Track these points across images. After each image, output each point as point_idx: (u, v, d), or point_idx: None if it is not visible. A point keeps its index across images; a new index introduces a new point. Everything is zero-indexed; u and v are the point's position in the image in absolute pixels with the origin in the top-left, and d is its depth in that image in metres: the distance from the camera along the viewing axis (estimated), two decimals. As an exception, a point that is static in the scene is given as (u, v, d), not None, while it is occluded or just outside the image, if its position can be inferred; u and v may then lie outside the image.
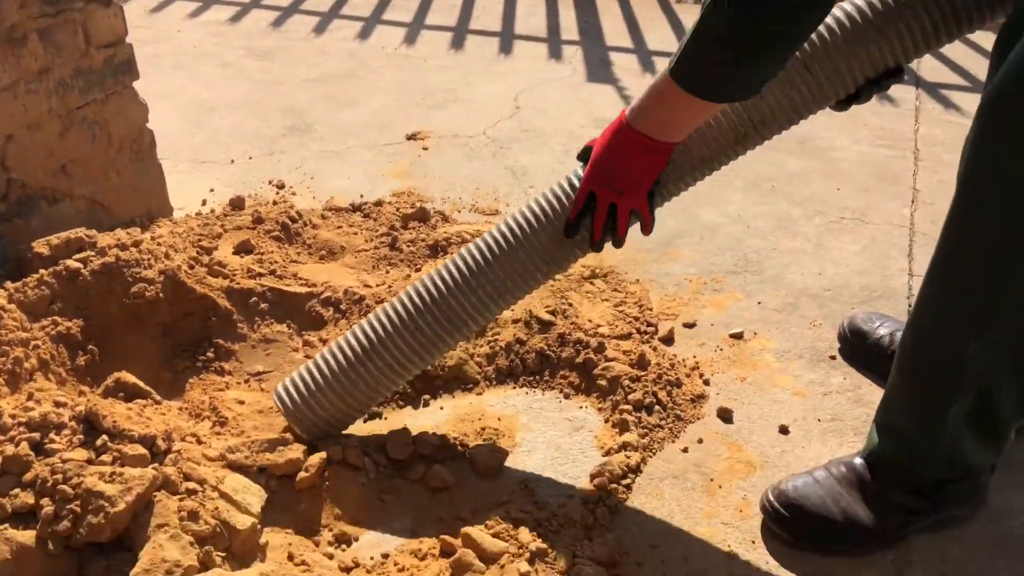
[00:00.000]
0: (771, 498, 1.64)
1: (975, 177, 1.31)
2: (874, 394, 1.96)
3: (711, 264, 2.46)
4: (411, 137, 3.28)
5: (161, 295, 1.89)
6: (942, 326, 1.45)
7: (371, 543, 1.61)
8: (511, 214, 1.68)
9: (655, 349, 2.06)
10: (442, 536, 1.58)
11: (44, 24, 2.04)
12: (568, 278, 2.30)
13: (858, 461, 1.64)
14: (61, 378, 1.76)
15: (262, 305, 2.05)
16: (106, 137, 2.29)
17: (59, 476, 1.36)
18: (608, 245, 1.61)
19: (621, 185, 1.51)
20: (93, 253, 1.89)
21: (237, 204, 2.63)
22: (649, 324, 2.15)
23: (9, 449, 1.37)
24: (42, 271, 1.83)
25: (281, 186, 2.88)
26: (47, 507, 1.33)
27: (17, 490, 1.35)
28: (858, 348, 2.04)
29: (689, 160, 1.55)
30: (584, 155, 1.58)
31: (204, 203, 2.73)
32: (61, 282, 1.83)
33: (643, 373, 1.95)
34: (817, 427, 1.88)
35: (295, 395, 1.69)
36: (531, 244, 1.63)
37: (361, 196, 2.79)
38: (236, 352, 1.97)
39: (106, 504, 1.33)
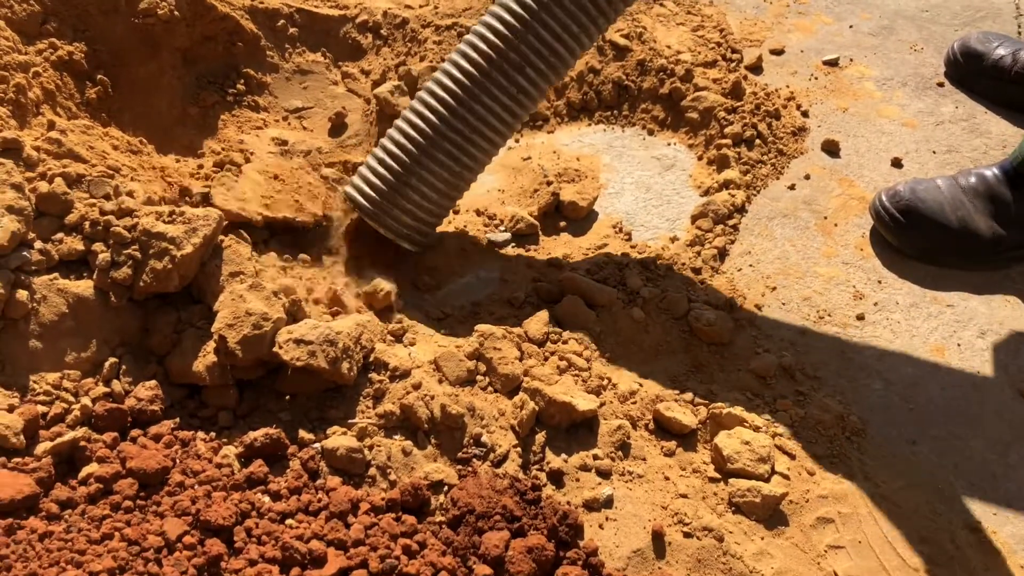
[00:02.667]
0: (884, 200, 1.50)
1: None
2: (991, 123, 1.75)
3: (790, -16, 2.15)
4: None
5: (176, 13, 1.57)
6: None
7: (457, 292, 1.44)
8: None
9: (746, 78, 1.81)
10: (537, 283, 1.41)
11: None
12: None
13: (991, 172, 1.49)
14: (72, 113, 1.48)
15: (291, 30, 1.74)
16: None
17: (109, 218, 1.13)
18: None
19: None
20: (85, -40, 1.54)
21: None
22: (733, 50, 1.89)
23: (43, 186, 1.12)
24: (27, -17, 1.50)
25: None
26: (102, 253, 1.12)
27: (61, 234, 1.13)
28: (972, 72, 1.81)
29: None
30: None
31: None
32: (52, -4, 1.51)
33: (739, 104, 1.71)
34: (932, 159, 1.69)
35: (383, 190, 1.34)
36: None
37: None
38: (269, 85, 1.69)
39: (171, 247, 1.12)
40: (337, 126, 1.67)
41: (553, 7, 1.27)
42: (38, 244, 1.10)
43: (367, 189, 1.35)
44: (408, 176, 1.33)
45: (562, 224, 1.56)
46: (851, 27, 2.01)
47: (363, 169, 1.37)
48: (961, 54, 1.83)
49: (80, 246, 1.12)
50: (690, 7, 2.01)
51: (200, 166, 1.51)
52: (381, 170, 1.34)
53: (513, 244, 1.52)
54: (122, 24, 1.56)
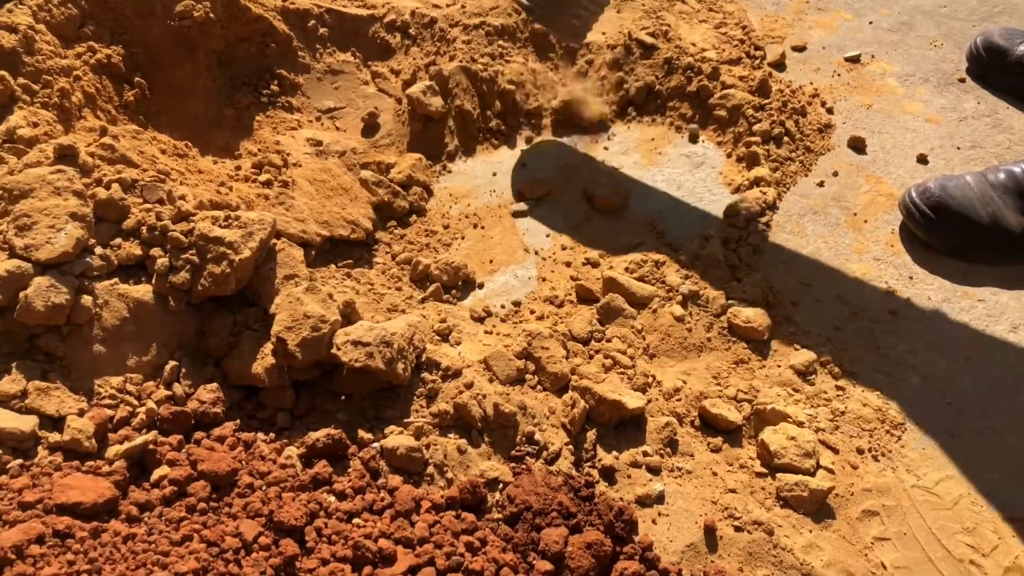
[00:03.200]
0: (914, 196, 1.54)
1: None
2: (1013, 119, 1.78)
3: (809, -20, 2.17)
4: None
5: (212, 15, 1.58)
6: None
7: (496, 291, 1.46)
8: None
9: (771, 75, 1.83)
10: (577, 283, 1.43)
11: None
12: (657, -3, 2.01)
13: (1020, 168, 1.52)
14: (111, 116, 1.49)
15: (322, 30, 1.75)
16: None
17: (166, 223, 1.14)
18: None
19: None
20: (120, -37, 1.55)
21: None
22: (756, 47, 1.90)
23: (101, 192, 1.14)
24: (64, -15, 1.51)
25: None
26: (160, 258, 1.13)
27: (119, 239, 1.14)
28: (995, 67, 1.83)
29: None
30: None
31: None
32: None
33: (766, 101, 1.73)
34: (957, 155, 1.71)
35: None
36: None
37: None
38: (302, 85, 1.70)
39: (229, 252, 1.14)
40: (370, 126, 1.68)
41: None
42: (98, 250, 1.12)
43: None
44: None
45: (596, 220, 1.58)
46: (871, 23, 2.03)
47: None
48: (984, 49, 1.85)
49: (138, 251, 1.14)
50: (711, 4, 2.03)
51: (238, 167, 1.52)
52: None
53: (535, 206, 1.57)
54: (158, 26, 1.56)
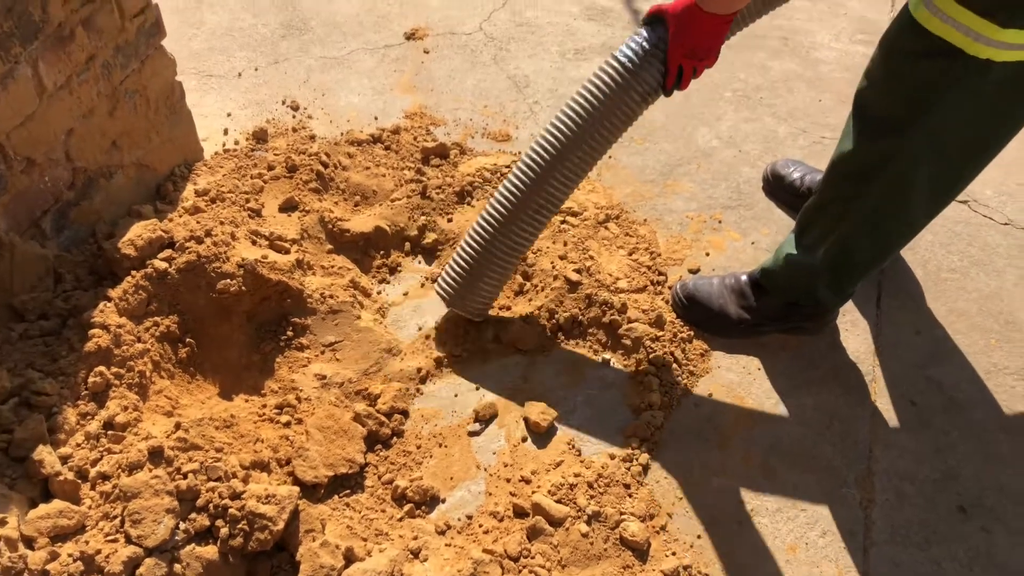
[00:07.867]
0: (678, 289, 2.37)
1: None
2: (850, 342, 2.35)
3: (709, 198, 2.73)
4: (409, 36, 3.32)
5: (243, 288, 2.12)
6: (826, 199, 2.06)
7: (455, 505, 2.00)
8: (563, 109, 1.97)
9: (667, 302, 2.38)
10: (513, 500, 1.98)
11: (86, 13, 2.07)
12: (585, 224, 2.56)
13: (744, 278, 2.32)
14: (170, 373, 2.03)
15: (324, 278, 2.29)
16: (145, 102, 2.37)
17: (226, 501, 1.68)
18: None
19: (703, 55, 1.84)
20: (174, 251, 2.08)
21: (260, 137, 2.76)
22: (660, 273, 2.46)
23: (182, 483, 1.67)
24: (135, 274, 2.03)
25: (296, 107, 2.97)
26: (222, 528, 1.67)
27: (194, 514, 1.68)
28: (776, 187, 2.66)
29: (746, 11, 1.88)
30: (650, 21, 1.87)
31: (226, 132, 2.83)
32: (153, 283, 2.04)
33: (661, 333, 2.29)
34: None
35: (452, 289, 2.18)
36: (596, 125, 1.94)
37: (376, 119, 2.92)
38: (310, 326, 2.23)
39: (269, 523, 1.68)
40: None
41: (552, 175, 2.00)
42: (182, 525, 1.66)
43: (450, 288, 2.18)
44: (478, 275, 2.14)
45: (530, 440, 2.13)
46: (753, 243, 2.59)
47: (445, 274, 2.20)
48: (771, 175, 2.67)
49: (207, 522, 1.68)
50: (628, 228, 2.59)
51: (264, 406, 2.06)
52: (458, 272, 2.16)
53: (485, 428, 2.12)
54: (203, 298, 2.10)
